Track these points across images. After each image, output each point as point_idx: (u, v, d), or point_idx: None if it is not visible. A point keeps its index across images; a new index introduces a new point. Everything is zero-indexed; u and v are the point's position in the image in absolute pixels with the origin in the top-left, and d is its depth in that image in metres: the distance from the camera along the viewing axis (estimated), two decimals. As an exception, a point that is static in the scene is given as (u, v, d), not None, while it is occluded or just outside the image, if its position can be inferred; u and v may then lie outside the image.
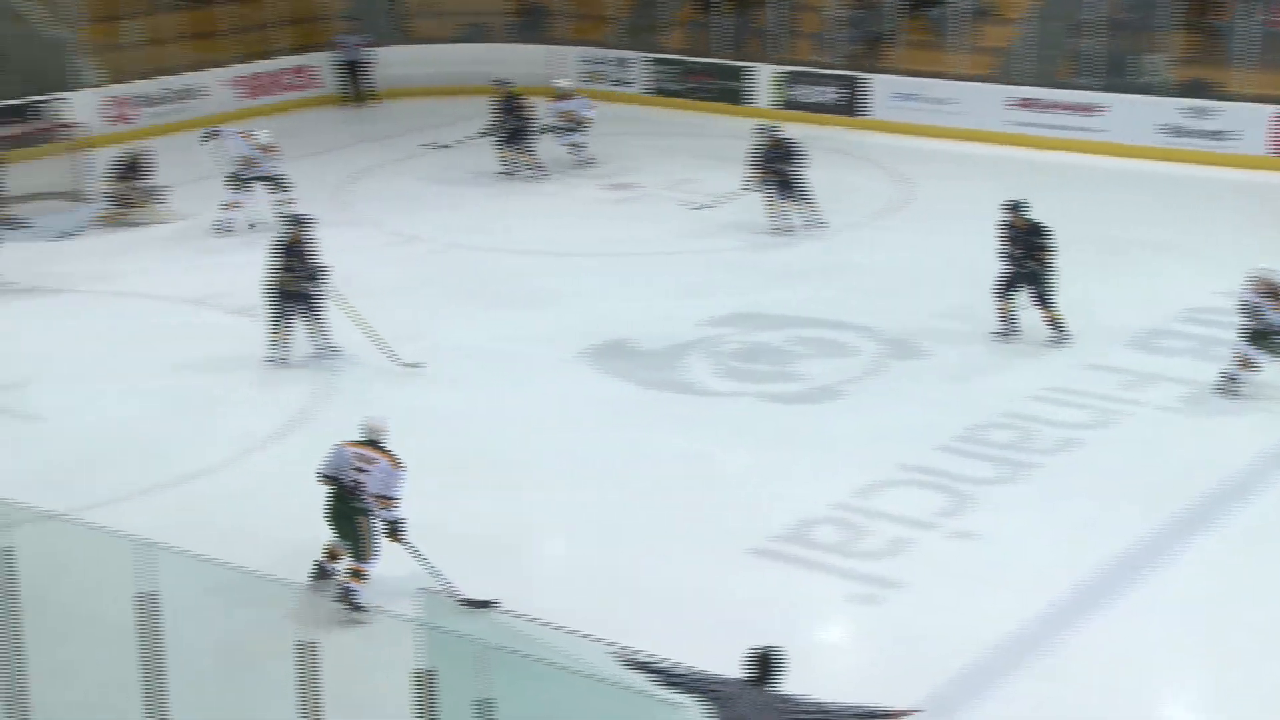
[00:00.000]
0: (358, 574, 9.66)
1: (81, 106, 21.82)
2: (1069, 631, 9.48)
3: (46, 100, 21.68)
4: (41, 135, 18.90)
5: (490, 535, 10.75)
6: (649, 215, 19.30)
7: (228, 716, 7.87)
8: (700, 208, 19.07)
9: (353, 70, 25.06)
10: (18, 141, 18.94)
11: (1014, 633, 9.44)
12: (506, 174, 20.88)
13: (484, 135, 20.96)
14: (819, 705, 6.90)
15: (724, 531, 10.90)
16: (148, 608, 6.93)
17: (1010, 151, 22.12)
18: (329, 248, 17.94)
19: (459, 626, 7.36)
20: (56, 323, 15.30)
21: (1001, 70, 23.33)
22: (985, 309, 14.48)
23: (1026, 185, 16.38)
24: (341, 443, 9.91)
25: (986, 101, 22.97)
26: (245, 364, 14.11)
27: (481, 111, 21.40)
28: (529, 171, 20.85)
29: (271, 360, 13.96)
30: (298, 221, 14.25)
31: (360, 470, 9.67)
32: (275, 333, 13.98)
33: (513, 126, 20.81)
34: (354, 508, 9.64)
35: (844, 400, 13.33)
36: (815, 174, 18.36)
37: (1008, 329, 14.43)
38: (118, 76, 23.22)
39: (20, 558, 7.22)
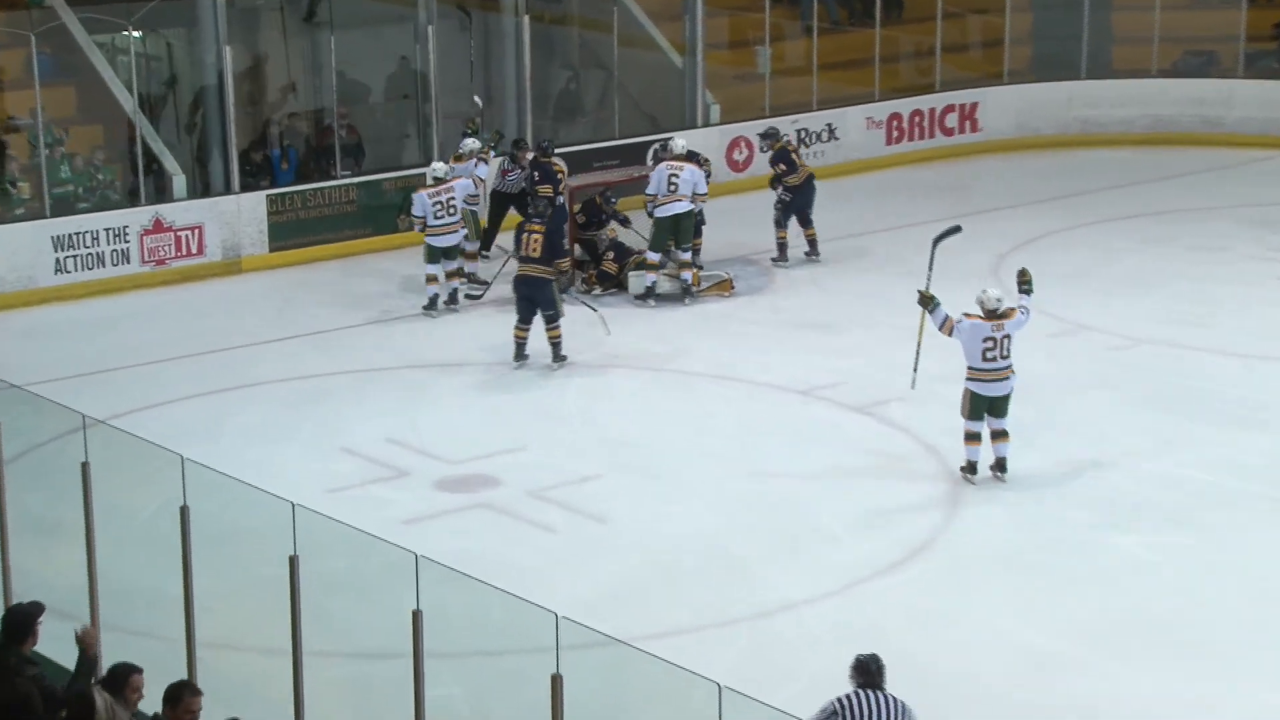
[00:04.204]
0: None
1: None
2: None
3: (654, 140, 22.81)
4: (632, 184, 19.89)
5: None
6: None
7: None
8: None
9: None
10: (607, 189, 20.04)
11: None
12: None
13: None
14: None
15: None
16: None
17: None
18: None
19: None
20: (628, 407, 16.08)
21: None
22: None
23: None
24: None
25: None
26: (858, 473, 14.45)
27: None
28: None
29: None
30: None
31: None
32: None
33: None
34: None
35: None
36: None
37: None
38: (738, 112, 24.25)
39: (571, 686, 7.57)
